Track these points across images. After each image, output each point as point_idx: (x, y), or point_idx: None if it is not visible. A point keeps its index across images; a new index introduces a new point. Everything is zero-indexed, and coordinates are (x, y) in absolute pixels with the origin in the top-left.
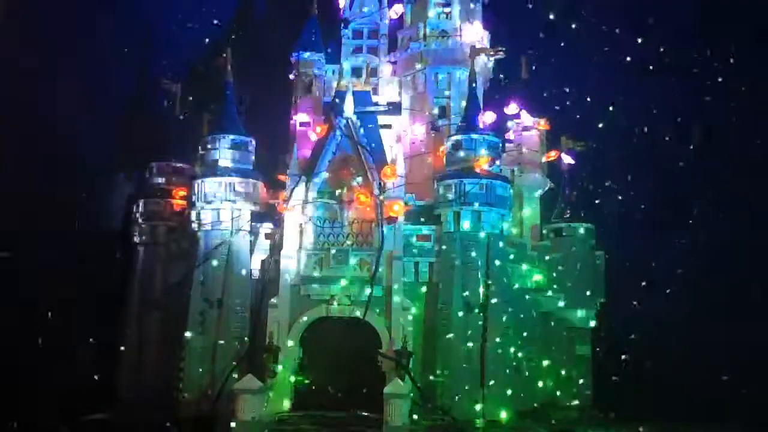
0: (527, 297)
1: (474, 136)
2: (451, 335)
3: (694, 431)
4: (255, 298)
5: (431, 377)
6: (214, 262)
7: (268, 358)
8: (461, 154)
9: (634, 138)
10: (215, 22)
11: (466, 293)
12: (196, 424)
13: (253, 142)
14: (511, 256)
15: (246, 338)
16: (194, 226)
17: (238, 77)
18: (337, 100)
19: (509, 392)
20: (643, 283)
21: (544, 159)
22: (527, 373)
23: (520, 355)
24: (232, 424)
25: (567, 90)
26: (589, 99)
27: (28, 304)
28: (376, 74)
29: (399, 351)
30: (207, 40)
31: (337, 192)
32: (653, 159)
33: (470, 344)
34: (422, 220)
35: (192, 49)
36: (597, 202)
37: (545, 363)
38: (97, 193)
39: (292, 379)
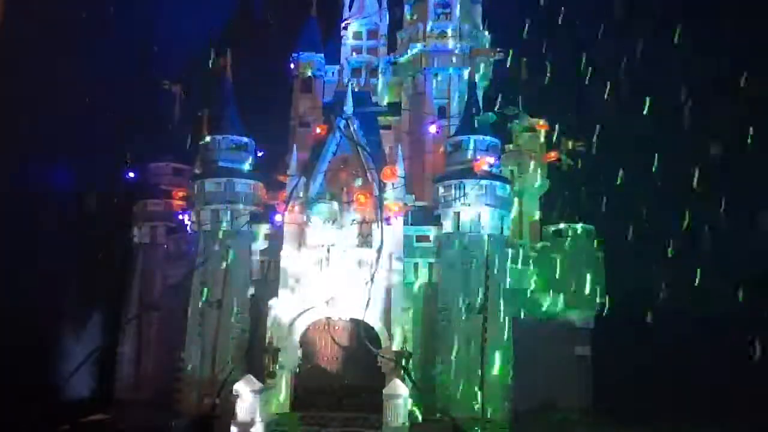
0: (527, 297)
1: (474, 137)
2: (450, 335)
3: None
4: (255, 298)
5: (431, 377)
6: (214, 263)
7: (268, 358)
8: (461, 154)
9: (634, 138)
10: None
11: (466, 293)
12: (196, 424)
13: (253, 143)
14: (511, 257)
15: (246, 338)
16: (194, 226)
17: (238, 77)
18: (336, 101)
19: (509, 392)
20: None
21: (544, 159)
22: (527, 374)
23: (519, 355)
24: (232, 424)
25: (567, 90)
26: (588, 99)
27: (29, 305)
28: (375, 75)
29: (398, 351)
30: (207, 40)
31: (337, 193)
32: (654, 159)
33: (470, 344)
34: (422, 220)
35: (192, 49)
36: (597, 202)
37: (545, 363)
38: (98, 193)
39: (292, 379)
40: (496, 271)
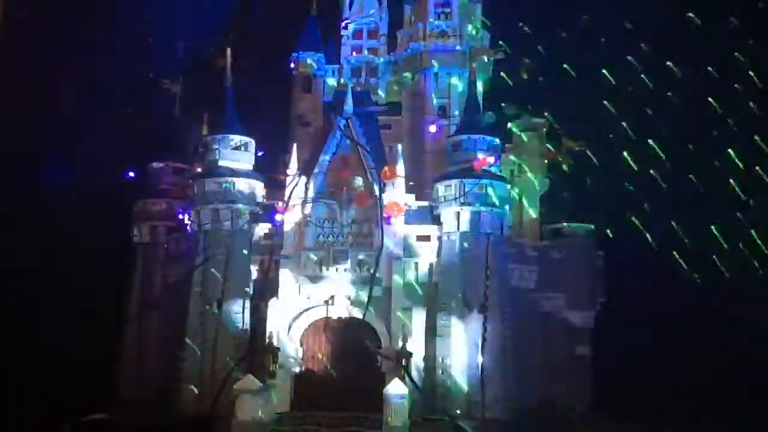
0: (527, 297)
1: (474, 136)
2: (450, 335)
3: None
4: (255, 298)
5: (431, 377)
6: (214, 263)
7: (267, 358)
8: (461, 154)
9: (634, 138)
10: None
11: (466, 293)
12: (196, 424)
13: (253, 143)
14: (511, 257)
15: (246, 339)
16: (194, 226)
17: (238, 77)
18: (336, 101)
19: (509, 392)
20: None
21: (544, 159)
22: (527, 373)
23: (519, 355)
24: (232, 424)
25: (568, 90)
26: (589, 99)
27: (29, 304)
28: (375, 74)
29: (399, 351)
30: (207, 40)
31: (337, 192)
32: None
33: (470, 344)
34: (422, 220)
35: (192, 49)
36: (597, 202)
37: (545, 363)
38: (98, 193)
39: (292, 379)
40: (496, 271)
